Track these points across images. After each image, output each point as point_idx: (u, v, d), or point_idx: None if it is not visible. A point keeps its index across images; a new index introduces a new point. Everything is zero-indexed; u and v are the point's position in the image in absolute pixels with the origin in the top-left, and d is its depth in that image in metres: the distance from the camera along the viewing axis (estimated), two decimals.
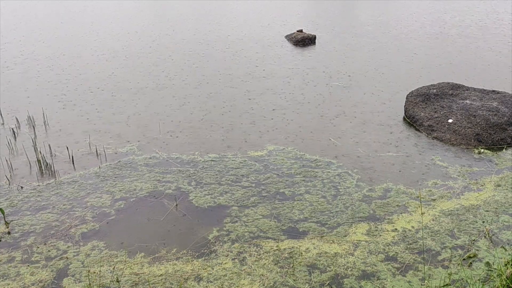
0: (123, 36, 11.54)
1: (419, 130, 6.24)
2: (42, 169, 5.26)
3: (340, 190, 4.84)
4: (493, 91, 6.81)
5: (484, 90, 6.88)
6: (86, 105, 7.14)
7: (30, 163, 5.40)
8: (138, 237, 4.12)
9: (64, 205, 4.59)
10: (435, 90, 6.77)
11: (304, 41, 10.70)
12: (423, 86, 7.03)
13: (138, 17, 13.94)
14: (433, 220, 4.32)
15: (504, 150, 5.70)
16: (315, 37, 10.93)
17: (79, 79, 8.36)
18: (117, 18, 13.76)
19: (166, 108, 7.05)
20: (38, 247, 3.96)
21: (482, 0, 16.17)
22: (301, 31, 11.05)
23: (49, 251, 3.92)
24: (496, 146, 5.77)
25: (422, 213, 4.38)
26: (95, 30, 12.14)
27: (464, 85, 7.04)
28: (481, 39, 10.92)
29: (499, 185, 4.91)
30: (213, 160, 5.46)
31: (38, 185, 4.98)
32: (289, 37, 11.07)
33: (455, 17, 13.37)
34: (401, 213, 4.44)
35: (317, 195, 4.74)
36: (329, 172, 5.19)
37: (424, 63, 9.20)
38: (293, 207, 4.54)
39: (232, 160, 5.46)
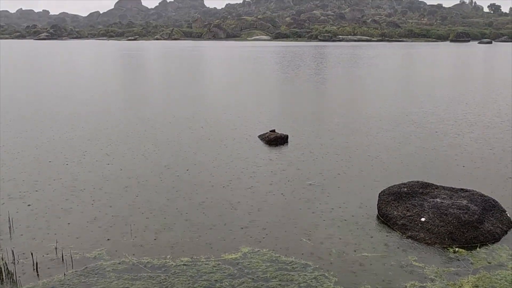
0: (89, 142, 11.63)
1: (393, 229, 6.25)
2: (3, 278, 4.96)
3: None
4: (461, 189, 6.99)
5: (453, 188, 7.05)
6: (54, 208, 6.95)
7: None
8: None
9: None
10: (406, 189, 6.90)
11: (276, 140, 10.97)
12: (394, 185, 7.17)
13: (109, 127, 14.18)
14: None
15: (478, 248, 5.71)
16: (287, 137, 11.23)
17: (47, 183, 8.23)
18: (85, 134, 13.96)
19: (136, 210, 6.92)
20: None
21: (445, 106, 17.16)
22: (273, 131, 11.37)
23: None
24: (469, 244, 5.78)
25: None
26: (58, 133, 12.23)
27: (433, 184, 7.21)
28: (445, 138, 11.42)
29: (476, 286, 4.84)
30: (185, 264, 5.27)
31: None
32: (262, 137, 11.35)
33: (419, 115, 14.07)
34: None
35: None
36: (305, 275, 5.05)
37: (393, 161, 9.46)
38: None
39: (205, 264, 5.28)
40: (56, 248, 5.62)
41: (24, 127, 12.64)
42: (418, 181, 7.23)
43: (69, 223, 6.39)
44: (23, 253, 5.50)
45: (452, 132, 12.13)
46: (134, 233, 6.10)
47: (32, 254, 5.41)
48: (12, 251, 5.49)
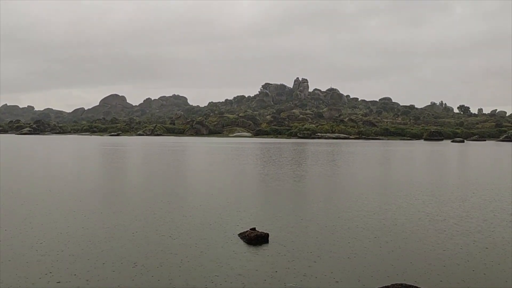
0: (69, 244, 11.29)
1: None
2: None
3: None
4: None
5: None
6: None
7: None
8: None
9: None
10: None
11: (257, 239, 10.77)
12: None
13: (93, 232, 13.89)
14: None
15: None
16: (268, 235, 11.06)
17: None
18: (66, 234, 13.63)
19: None
20: None
21: (423, 203, 17.34)
22: (254, 229, 11.22)
23: None
24: None
25: None
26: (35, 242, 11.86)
27: (416, 286, 7.05)
28: (424, 236, 11.38)
29: None
30: None
31: None
32: (242, 235, 11.15)
33: (398, 212, 14.11)
34: None
35: None
36: None
37: (374, 261, 9.29)
38: None
39: None
40: None
41: None
42: (401, 284, 7.07)
43: None
44: None
45: (431, 229, 12.12)
46: None
47: None
48: None
